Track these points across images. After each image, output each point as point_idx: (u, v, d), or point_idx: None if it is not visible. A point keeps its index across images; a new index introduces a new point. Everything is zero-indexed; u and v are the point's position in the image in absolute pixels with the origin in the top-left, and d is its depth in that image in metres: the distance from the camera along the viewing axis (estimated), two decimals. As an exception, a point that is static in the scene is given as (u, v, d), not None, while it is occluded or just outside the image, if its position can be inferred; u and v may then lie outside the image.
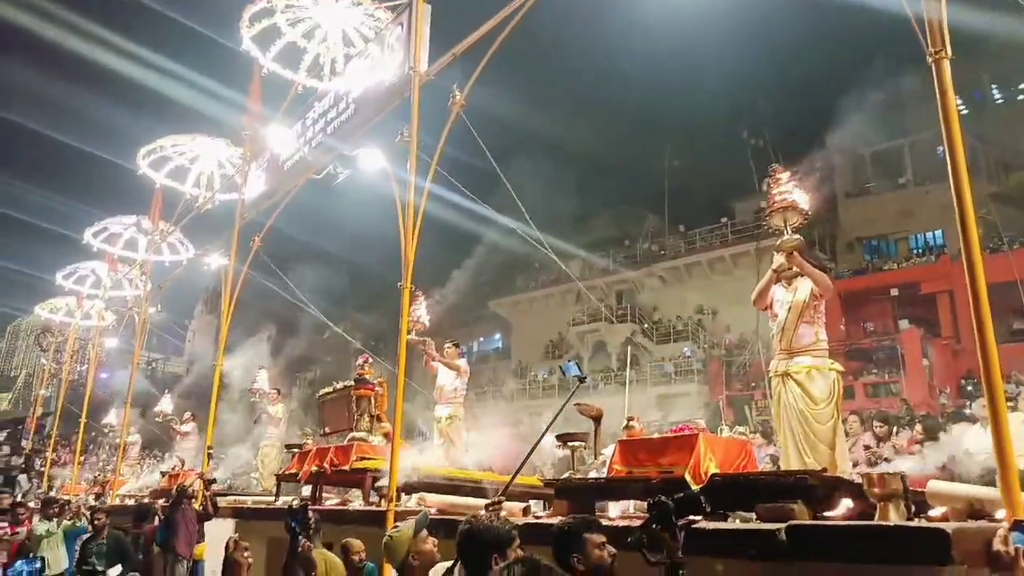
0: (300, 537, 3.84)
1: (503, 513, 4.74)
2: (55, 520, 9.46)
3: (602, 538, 2.59)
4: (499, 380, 32.45)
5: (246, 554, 3.70)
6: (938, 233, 27.35)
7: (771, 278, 5.74)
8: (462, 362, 8.97)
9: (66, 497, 13.55)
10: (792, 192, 5.58)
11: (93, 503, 11.57)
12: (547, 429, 5.56)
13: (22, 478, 20.21)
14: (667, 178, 34.11)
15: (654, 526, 2.66)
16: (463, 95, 6.90)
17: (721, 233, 30.95)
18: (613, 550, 2.57)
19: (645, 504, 2.83)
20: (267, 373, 12.76)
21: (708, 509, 3.85)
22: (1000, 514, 3.34)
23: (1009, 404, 5.26)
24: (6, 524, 9.05)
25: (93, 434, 22.19)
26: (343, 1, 9.17)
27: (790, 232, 5.54)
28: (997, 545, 2.72)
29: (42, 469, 20.17)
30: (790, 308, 5.59)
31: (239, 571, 3.64)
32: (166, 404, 15.50)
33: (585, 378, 6.00)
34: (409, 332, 7.34)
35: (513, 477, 4.99)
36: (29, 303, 24.73)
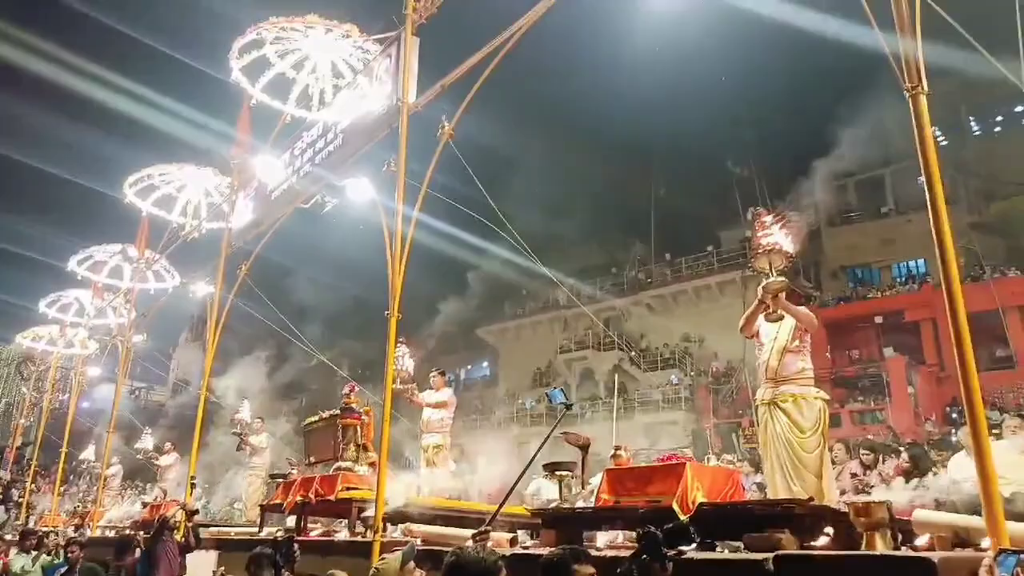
0: (283, 571, 3.79)
1: (490, 543, 4.71)
2: (32, 554, 9.25)
3: (591, 569, 2.58)
4: (487, 408, 32.30)
5: (232, 586, 3.65)
6: (920, 261, 27.68)
7: (757, 307, 5.79)
8: (448, 393, 8.98)
9: (45, 529, 13.29)
10: (775, 234, 5.64)
11: (72, 535, 11.35)
12: (532, 459, 5.54)
13: (-1, 509, 19.83)
14: (654, 206, 34.45)
15: (644, 557, 2.66)
16: (451, 126, 6.97)
17: (707, 261, 31.19)
18: None
19: (634, 534, 2.83)
20: (249, 404, 12.67)
21: (697, 539, 3.86)
22: (985, 543, 3.35)
23: (993, 432, 5.30)
24: None
25: (74, 464, 21.83)
26: (332, 33, 9.26)
27: (775, 274, 5.58)
28: (983, 575, 2.73)
29: (21, 500, 19.79)
30: (775, 339, 5.64)
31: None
32: (148, 442, 15.32)
33: (571, 405, 6.00)
34: (393, 381, 7.31)
35: (499, 507, 4.96)
36: (10, 331, 24.42)
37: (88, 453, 18.37)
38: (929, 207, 3.70)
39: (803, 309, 5.66)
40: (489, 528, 4.40)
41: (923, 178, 3.81)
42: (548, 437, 5.90)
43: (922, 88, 3.78)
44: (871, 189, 30.71)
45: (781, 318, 5.66)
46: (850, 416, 22.21)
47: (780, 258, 5.58)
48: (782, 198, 31.50)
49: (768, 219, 5.75)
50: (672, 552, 2.75)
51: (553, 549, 2.74)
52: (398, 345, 7.82)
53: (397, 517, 6.73)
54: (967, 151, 28.33)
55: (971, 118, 30.06)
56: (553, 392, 6.29)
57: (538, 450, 5.41)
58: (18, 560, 9.00)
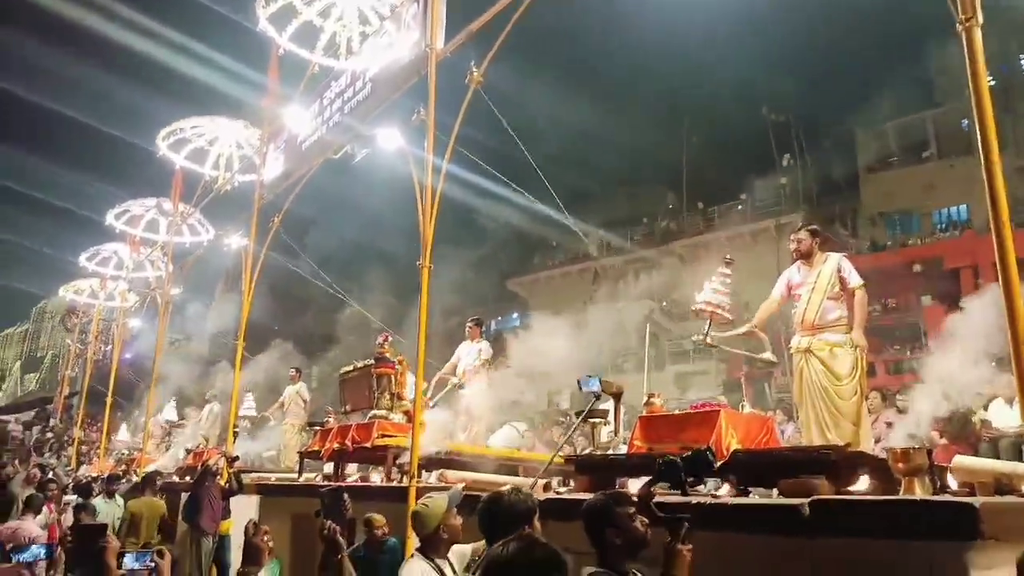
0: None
1: (524, 489, 4.78)
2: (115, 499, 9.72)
3: (633, 509, 2.61)
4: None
5: (266, 538, 3.71)
6: (962, 208, 26.91)
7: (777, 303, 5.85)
8: (484, 343, 9.04)
9: (95, 474, 13.85)
10: (725, 296, 5.81)
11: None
12: (573, 430, 5.63)
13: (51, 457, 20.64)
14: (685, 155, 33.83)
15: (665, 483, 2.68)
16: (480, 71, 6.84)
17: (740, 210, 30.66)
18: (647, 520, 2.58)
19: (667, 484, 2.84)
20: (253, 397, 13.08)
21: (717, 466, 3.83)
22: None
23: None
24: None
25: (119, 414, 22.59)
26: (359, -22, 9.10)
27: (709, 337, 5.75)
28: None
29: (70, 448, 20.58)
30: (814, 287, 5.55)
31: (259, 556, 3.65)
32: (171, 412, 15.71)
33: (600, 395, 5.92)
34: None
35: (550, 460, 5.03)
36: (54, 284, 25.12)
37: (122, 434, 18.94)
38: (980, 147, 3.54)
39: (860, 292, 5.53)
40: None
41: (969, 120, 3.65)
42: (582, 418, 5.96)
43: (976, 20, 3.59)
44: (912, 133, 29.76)
45: (819, 262, 5.58)
46: (885, 366, 21.96)
47: (722, 320, 5.73)
48: (818, 145, 30.85)
49: (731, 273, 5.90)
50: (692, 479, 2.76)
51: (595, 494, 2.76)
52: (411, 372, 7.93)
53: (433, 463, 6.86)
54: (1015, 92, 27.21)
55: (1021, 57, 28.79)
56: (588, 380, 5.95)
57: (575, 427, 5.47)
58: (104, 506, 9.36)
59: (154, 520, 8.80)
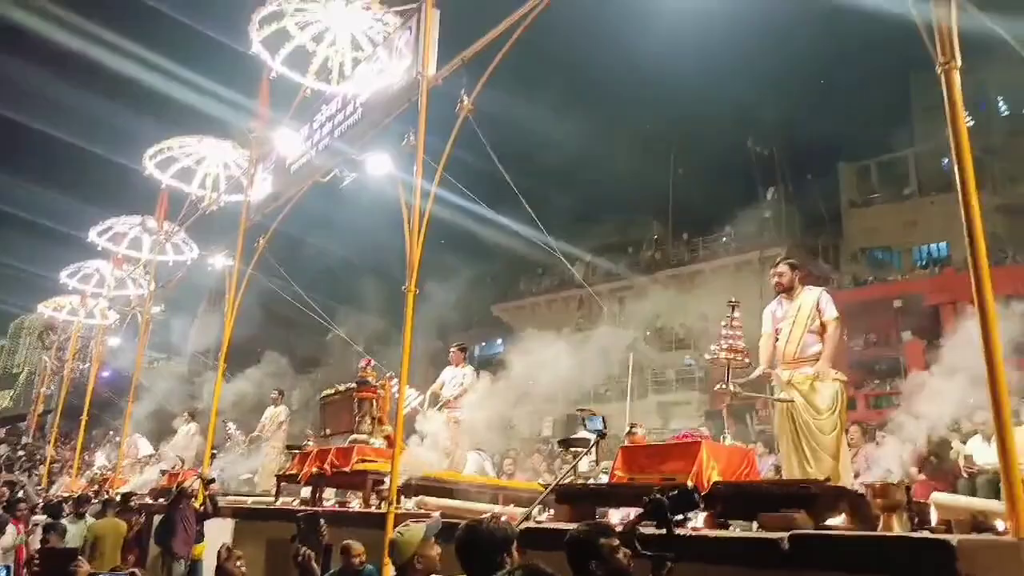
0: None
1: (504, 518, 4.73)
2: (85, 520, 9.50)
3: (617, 542, 2.60)
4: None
5: (239, 563, 3.64)
6: (943, 245, 27.31)
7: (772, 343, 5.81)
8: (468, 369, 9.01)
9: (65, 494, 13.56)
10: (740, 340, 5.66)
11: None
12: (570, 470, 5.64)
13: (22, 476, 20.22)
14: (672, 186, 34.17)
15: (650, 521, 2.67)
16: (471, 100, 6.91)
17: (725, 242, 30.95)
18: (629, 552, 2.58)
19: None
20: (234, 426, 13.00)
21: (702, 504, 3.83)
22: (1002, 526, 3.33)
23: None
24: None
25: (94, 432, 22.22)
26: (352, 5, 9.19)
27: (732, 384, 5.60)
28: None
29: (41, 467, 20.19)
30: (795, 321, 5.59)
31: (231, 581, 3.59)
32: (144, 447, 15.46)
33: (605, 435, 5.96)
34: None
35: (545, 494, 4.98)
36: (33, 301, 24.78)
37: (100, 459, 18.61)
38: (958, 188, 3.62)
39: (832, 324, 5.55)
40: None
41: (949, 159, 3.72)
42: (582, 456, 5.97)
43: (955, 63, 3.68)
44: (894, 170, 30.29)
45: (798, 295, 5.64)
46: (866, 400, 22.09)
47: (740, 365, 5.59)
48: (802, 178, 31.29)
49: (739, 316, 5.75)
50: (678, 518, 2.75)
51: (579, 525, 2.75)
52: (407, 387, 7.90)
53: (412, 490, 6.79)
54: (993, 131, 27.81)
55: (999, 98, 29.48)
56: (591, 419, 6.01)
57: (571, 467, 5.48)
58: (73, 527, 9.15)
59: (118, 542, 8.64)
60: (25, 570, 7.76)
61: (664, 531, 2.65)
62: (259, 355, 17.34)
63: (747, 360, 5.62)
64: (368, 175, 8.52)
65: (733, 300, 5.91)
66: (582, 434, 7.47)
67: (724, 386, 5.51)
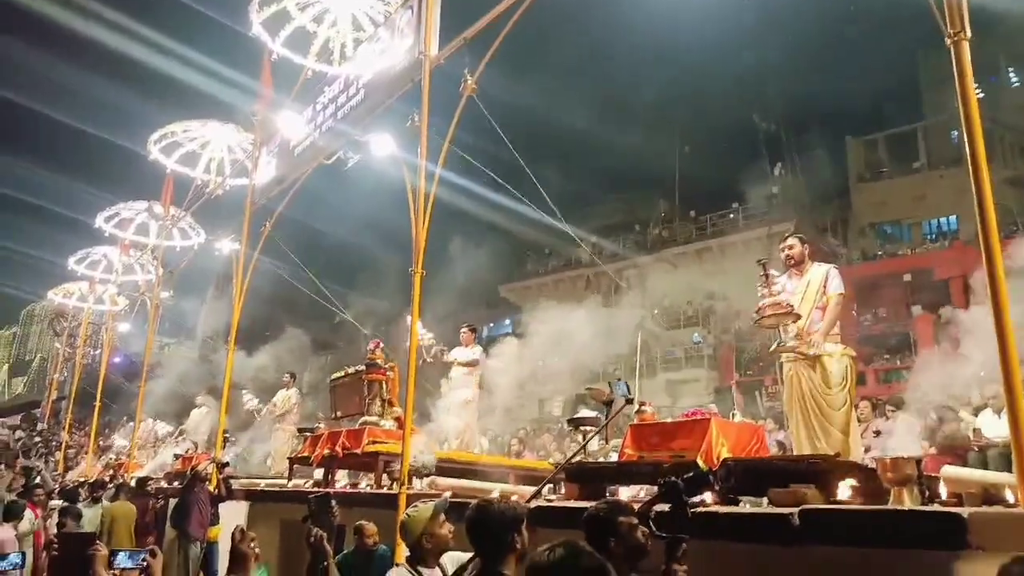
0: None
1: (514, 497, 4.76)
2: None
3: (635, 520, 2.62)
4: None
5: (252, 544, 3.68)
6: (952, 218, 27.11)
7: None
8: (478, 351, 9.02)
9: (81, 479, 13.73)
10: (783, 292, 5.44)
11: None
12: (592, 437, 5.64)
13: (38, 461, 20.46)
14: (678, 163, 33.96)
15: (665, 503, 2.69)
16: (474, 79, 6.86)
17: (732, 218, 30.78)
18: (647, 530, 2.59)
19: (656, 488, 2.85)
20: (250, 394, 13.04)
21: (717, 487, 3.86)
22: (1012, 498, 3.32)
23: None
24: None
25: (108, 418, 22.43)
26: (353, -16, 9.11)
27: (784, 335, 5.36)
28: None
29: (57, 452, 20.42)
30: (803, 297, 5.56)
31: (246, 562, 3.62)
32: (162, 428, 15.69)
33: (632, 399, 6.00)
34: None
35: (547, 481, 4.99)
36: (42, 288, 24.93)
37: (119, 438, 18.83)
38: (968, 161, 3.57)
39: (834, 298, 5.46)
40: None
41: (959, 132, 3.67)
42: (604, 425, 5.97)
43: (964, 34, 3.62)
44: (902, 144, 29.99)
45: (807, 271, 5.59)
46: (875, 375, 22.07)
47: (791, 319, 5.36)
48: (810, 153, 31.01)
49: (773, 272, 5.55)
50: (693, 500, 2.77)
51: (597, 503, 2.77)
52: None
53: (423, 470, 6.84)
54: (1003, 103, 27.47)
55: (1010, 69, 29.08)
56: (618, 384, 6.21)
57: (596, 432, 5.45)
58: (88, 512, 9.27)
59: (130, 525, 8.77)
60: (44, 553, 7.87)
61: (680, 513, 2.66)
62: (268, 338, 17.40)
63: (795, 312, 5.36)
64: (373, 157, 8.49)
65: (763, 259, 5.81)
66: (582, 413, 7.54)
67: (782, 342, 5.38)
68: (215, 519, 8.38)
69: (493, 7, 6.74)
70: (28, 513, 8.58)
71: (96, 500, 9.73)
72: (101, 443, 18.98)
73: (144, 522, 9.23)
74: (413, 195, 7.06)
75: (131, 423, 17.98)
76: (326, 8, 9.72)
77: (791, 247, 5.74)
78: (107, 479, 12.30)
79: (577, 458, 6.09)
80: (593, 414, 7.55)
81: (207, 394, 14.83)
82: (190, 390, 16.91)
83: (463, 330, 9.27)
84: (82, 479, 14.35)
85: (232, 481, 8.99)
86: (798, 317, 5.36)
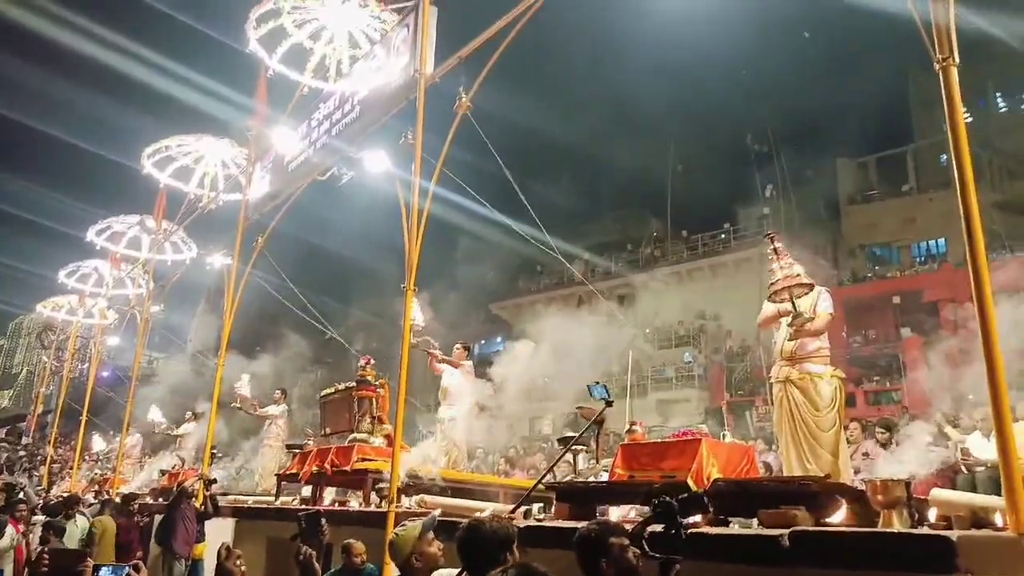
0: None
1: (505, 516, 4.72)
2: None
3: (627, 541, 2.60)
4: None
5: (239, 562, 3.64)
6: (941, 241, 27.34)
7: (777, 316, 5.70)
8: (468, 364, 8.98)
9: (65, 495, 13.54)
10: (795, 265, 5.51)
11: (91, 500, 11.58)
12: (568, 447, 5.61)
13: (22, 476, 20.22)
14: (670, 183, 34.17)
15: (658, 525, 2.67)
16: (468, 97, 6.90)
17: (724, 239, 30.95)
18: (638, 551, 2.58)
19: (647, 508, 2.84)
20: (249, 378, 12.84)
21: (711, 509, 3.85)
22: (1001, 522, 3.33)
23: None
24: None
25: (94, 432, 22.21)
26: (349, 3, 9.17)
27: (795, 304, 5.43)
28: None
29: (42, 467, 20.20)
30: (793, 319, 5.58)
31: (232, 581, 3.58)
32: (156, 413, 15.59)
33: (612, 402, 5.96)
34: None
35: (531, 489, 4.98)
36: (32, 301, 24.75)
37: (98, 443, 18.64)
38: (957, 184, 3.61)
39: (823, 317, 5.51)
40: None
41: (948, 156, 3.71)
42: (585, 430, 5.94)
43: (953, 60, 3.68)
44: (892, 167, 30.31)
45: (798, 297, 5.62)
46: (865, 396, 22.13)
47: (802, 289, 5.43)
48: (801, 176, 31.29)
49: (780, 245, 5.61)
50: (687, 521, 2.76)
51: (588, 523, 2.75)
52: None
53: (412, 488, 6.79)
54: (991, 128, 27.83)
55: (997, 94, 29.50)
56: (595, 387, 6.10)
57: (576, 439, 5.42)
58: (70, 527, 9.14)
59: (111, 540, 8.67)
60: (27, 570, 7.74)
61: (673, 534, 2.65)
62: (258, 353, 17.30)
63: (808, 282, 5.43)
64: (367, 173, 8.51)
65: (771, 232, 5.83)
66: (565, 435, 7.50)
67: (796, 314, 5.38)
68: (201, 536, 8.29)
69: (488, 27, 6.80)
70: (9, 529, 8.45)
71: (69, 517, 9.54)
72: (86, 457, 18.77)
73: (128, 539, 9.10)
74: (407, 212, 7.07)
75: (116, 437, 17.84)
76: (323, 25, 9.78)
77: (773, 238, 5.78)
78: (92, 495, 12.15)
79: (562, 476, 6.06)
80: (598, 404, 7.51)
81: (194, 415, 14.70)
82: (183, 402, 16.81)
83: (456, 347, 9.24)
84: (65, 495, 14.18)
85: (218, 498, 8.90)
86: (810, 288, 5.42)
